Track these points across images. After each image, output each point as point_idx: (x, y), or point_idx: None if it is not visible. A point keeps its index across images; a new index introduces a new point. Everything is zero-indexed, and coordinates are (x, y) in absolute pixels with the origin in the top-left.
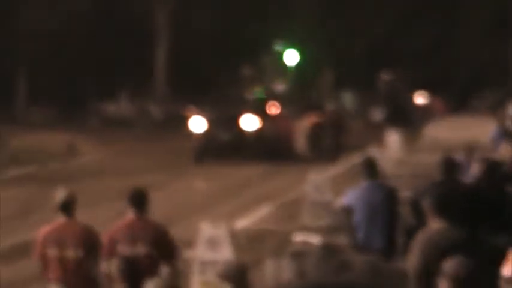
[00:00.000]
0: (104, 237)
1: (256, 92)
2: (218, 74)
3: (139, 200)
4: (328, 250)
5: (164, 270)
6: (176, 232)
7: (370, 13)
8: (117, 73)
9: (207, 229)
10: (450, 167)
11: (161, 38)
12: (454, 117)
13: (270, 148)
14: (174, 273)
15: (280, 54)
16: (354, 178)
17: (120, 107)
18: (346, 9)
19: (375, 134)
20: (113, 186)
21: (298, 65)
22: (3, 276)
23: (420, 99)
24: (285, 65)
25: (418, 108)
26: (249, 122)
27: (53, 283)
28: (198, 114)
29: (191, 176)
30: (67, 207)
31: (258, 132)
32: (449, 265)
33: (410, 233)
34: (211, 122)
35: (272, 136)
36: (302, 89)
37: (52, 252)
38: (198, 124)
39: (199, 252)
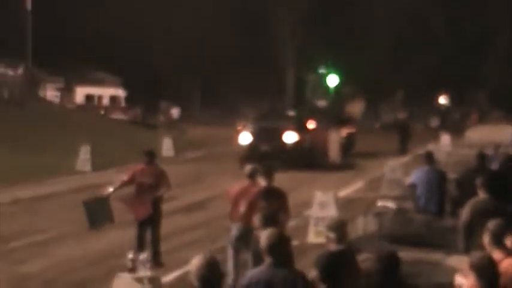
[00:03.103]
0: (245, 202)
1: (298, 109)
2: None
3: (269, 173)
4: (399, 211)
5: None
6: (298, 197)
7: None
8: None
9: (319, 195)
10: (482, 158)
11: (289, 67)
12: (484, 125)
13: (307, 157)
14: (287, 221)
15: (324, 76)
16: (418, 164)
17: None
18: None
19: (432, 135)
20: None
21: (337, 86)
22: (184, 223)
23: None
24: (327, 85)
25: (461, 118)
26: (289, 136)
27: (237, 221)
28: (245, 129)
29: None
30: (251, 175)
31: (296, 144)
32: (492, 223)
33: (455, 202)
34: (255, 136)
35: (308, 147)
36: (339, 105)
37: (239, 202)
38: (244, 138)
39: (313, 211)
